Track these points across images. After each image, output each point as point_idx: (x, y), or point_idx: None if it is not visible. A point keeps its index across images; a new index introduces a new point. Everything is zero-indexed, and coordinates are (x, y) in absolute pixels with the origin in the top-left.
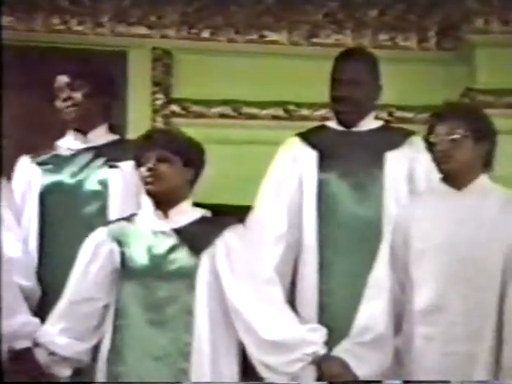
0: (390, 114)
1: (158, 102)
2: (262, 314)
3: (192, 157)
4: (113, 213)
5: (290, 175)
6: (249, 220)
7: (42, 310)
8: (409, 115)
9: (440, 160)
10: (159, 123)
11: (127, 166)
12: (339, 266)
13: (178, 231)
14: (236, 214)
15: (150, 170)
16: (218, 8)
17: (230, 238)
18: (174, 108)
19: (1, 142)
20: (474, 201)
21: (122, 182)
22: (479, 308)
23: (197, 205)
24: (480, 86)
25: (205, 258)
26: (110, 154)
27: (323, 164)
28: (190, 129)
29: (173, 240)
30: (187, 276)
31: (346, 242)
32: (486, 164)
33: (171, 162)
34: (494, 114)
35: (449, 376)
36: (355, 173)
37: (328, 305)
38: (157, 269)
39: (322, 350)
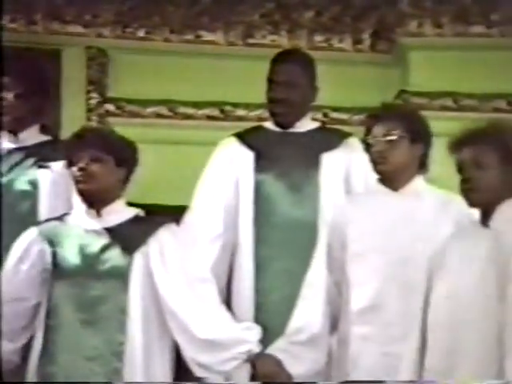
0: (325, 115)
1: (93, 101)
2: (196, 313)
3: (125, 156)
4: (43, 213)
5: (226, 175)
6: (185, 220)
7: None
8: (344, 116)
9: (376, 161)
10: (94, 122)
11: (58, 166)
12: (275, 266)
13: (111, 230)
14: (172, 214)
15: (81, 169)
16: (153, 7)
17: (163, 237)
18: (109, 107)
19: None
20: (409, 202)
21: (52, 182)
22: (413, 309)
23: (133, 205)
24: (413, 89)
25: (138, 257)
26: (40, 154)
27: (260, 165)
28: (126, 128)
29: (105, 239)
30: (120, 275)
31: (282, 243)
32: (422, 165)
33: (103, 162)
34: (427, 117)
35: (385, 376)
36: (291, 174)
37: (264, 305)
38: (89, 268)
39: (257, 349)
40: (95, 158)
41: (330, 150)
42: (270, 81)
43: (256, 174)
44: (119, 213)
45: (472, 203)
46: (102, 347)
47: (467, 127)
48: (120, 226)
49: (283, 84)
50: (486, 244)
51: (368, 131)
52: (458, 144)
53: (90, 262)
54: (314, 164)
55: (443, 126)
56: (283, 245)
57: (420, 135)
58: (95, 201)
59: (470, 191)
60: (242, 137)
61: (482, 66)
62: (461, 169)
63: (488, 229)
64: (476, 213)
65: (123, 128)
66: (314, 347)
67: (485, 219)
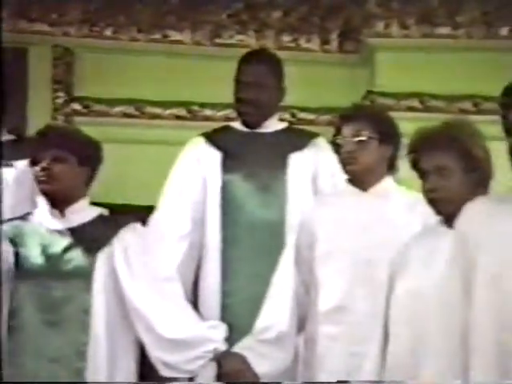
0: (293, 116)
1: (59, 101)
2: (161, 312)
3: (88, 155)
4: (6, 212)
5: (193, 175)
6: (151, 219)
7: None
8: (311, 117)
9: (346, 161)
10: (60, 122)
11: (22, 164)
12: (242, 266)
13: (75, 230)
14: (139, 214)
15: (43, 169)
16: (120, 6)
17: (127, 237)
18: (76, 106)
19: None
20: (378, 202)
21: (16, 180)
22: (381, 309)
23: (100, 205)
24: (380, 89)
25: (102, 256)
26: (4, 153)
27: (227, 165)
28: (92, 128)
29: (69, 239)
30: (84, 275)
31: (250, 243)
32: (391, 166)
33: (66, 162)
34: (393, 117)
35: (353, 376)
36: (259, 174)
37: (230, 305)
38: (52, 268)
39: (223, 347)
40: (57, 158)
41: (297, 150)
42: (238, 81)
43: (223, 174)
44: (83, 212)
45: (439, 212)
46: (66, 348)
47: (423, 129)
48: (84, 225)
49: (251, 84)
50: (450, 244)
51: (337, 131)
52: (416, 148)
53: (52, 263)
54: (281, 164)
55: (410, 126)
56: (250, 245)
57: (389, 136)
58: (58, 200)
59: (436, 201)
60: (210, 137)
61: (448, 68)
62: (421, 172)
63: (452, 229)
64: None
65: (90, 127)
66: (281, 346)
67: (449, 220)
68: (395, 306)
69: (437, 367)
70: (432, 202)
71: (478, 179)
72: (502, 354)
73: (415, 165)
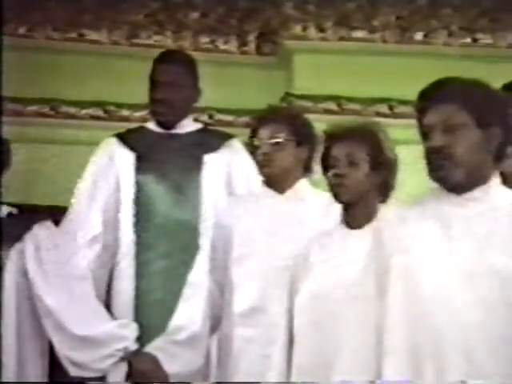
0: (211, 117)
1: None
2: (71, 311)
3: None
4: None
5: (106, 176)
6: (64, 220)
7: None
8: (229, 118)
9: (262, 163)
10: None
11: None
12: (157, 267)
13: None
14: (52, 214)
15: None
16: (36, 4)
17: (39, 235)
18: None
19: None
20: (294, 204)
21: None
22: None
23: (12, 204)
24: (298, 91)
25: (12, 254)
26: None
27: (141, 165)
28: (5, 127)
29: None
30: None
31: (164, 244)
32: (307, 168)
33: None
34: (310, 120)
35: (264, 378)
36: (173, 175)
37: (144, 306)
38: None
39: (134, 346)
40: None
41: (211, 151)
42: (152, 81)
43: (136, 175)
44: None
45: (339, 199)
46: None
47: (338, 123)
48: None
49: (165, 84)
50: (360, 245)
51: (254, 133)
52: (330, 137)
53: None
54: (195, 165)
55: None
56: (165, 246)
57: (305, 138)
58: None
59: (340, 186)
60: (123, 137)
61: (364, 71)
62: (329, 161)
63: (354, 230)
64: None
65: (3, 126)
66: (193, 347)
67: (350, 221)
68: (299, 308)
69: (350, 367)
70: (335, 187)
71: (383, 180)
72: (414, 355)
73: (326, 155)
